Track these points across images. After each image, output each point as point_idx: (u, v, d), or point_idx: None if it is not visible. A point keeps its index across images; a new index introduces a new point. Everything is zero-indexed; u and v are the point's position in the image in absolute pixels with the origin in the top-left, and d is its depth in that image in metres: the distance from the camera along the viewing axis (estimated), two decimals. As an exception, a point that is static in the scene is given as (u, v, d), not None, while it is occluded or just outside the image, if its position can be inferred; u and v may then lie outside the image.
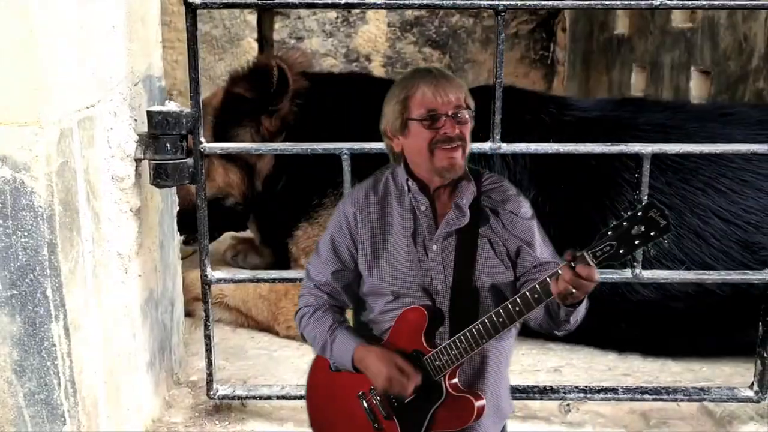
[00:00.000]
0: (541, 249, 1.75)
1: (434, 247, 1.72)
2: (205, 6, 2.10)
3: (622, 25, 5.41)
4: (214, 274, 2.27)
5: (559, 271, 1.51)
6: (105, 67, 2.03)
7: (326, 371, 1.81)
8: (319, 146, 2.26)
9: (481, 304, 1.70)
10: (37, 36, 1.66)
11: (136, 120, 2.20)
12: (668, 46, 4.73)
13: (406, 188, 1.76)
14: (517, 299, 1.59)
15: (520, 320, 1.61)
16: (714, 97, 4.29)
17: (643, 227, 1.46)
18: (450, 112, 1.67)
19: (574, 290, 1.49)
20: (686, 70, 4.57)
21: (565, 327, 1.66)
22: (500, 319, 1.61)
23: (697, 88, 4.56)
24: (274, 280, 2.47)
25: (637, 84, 5.27)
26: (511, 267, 1.74)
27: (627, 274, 2.25)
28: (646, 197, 2.23)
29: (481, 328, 1.62)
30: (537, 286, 1.56)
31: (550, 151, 2.25)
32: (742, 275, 2.35)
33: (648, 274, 2.29)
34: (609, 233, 1.48)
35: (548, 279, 1.54)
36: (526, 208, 1.77)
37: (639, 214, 1.47)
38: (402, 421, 1.71)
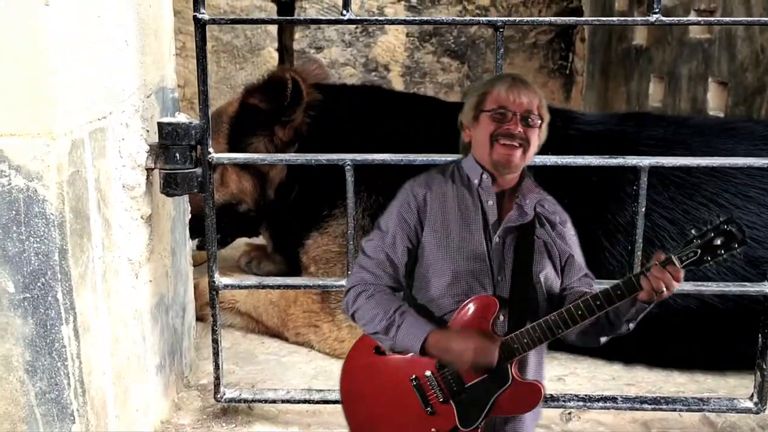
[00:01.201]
0: (581, 262, 1.85)
1: (496, 239, 1.78)
2: (213, 22, 2.17)
3: (640, 36, 5.39)
4: (221, 280, 2.34)
5: (644, 271, 1.62)
6: (118, 80, 2.12)
7: (368, 356, 1.82)
8: (323, 157, 2.32)
9: (538, 300, 1.77)
10: (49, 50, 1.75)
11: (148, 131, 2.28)
12: (686, 57, 4.72)
13: (477, 180, 1.82)
14: (599, 294, 1.66)
15: (599, 314, 1.67)
16: (731, 108, 4.28)
17: (722, 238, 1.61)
18: (519, 113, 1.76)
19: (665, 289, 1.61)
20: (704, 81, 4.56)
21: (625, 329, 1.75)
22: (579, 312, 1.66)
23: (714, 99, 4.55)
24: (280, 287, 2.53)
25: (655, 94, 5.26)
26: (560, 271, 1.83)
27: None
28: (643, 209, 2.27)
29: (557, 319, 1.68)
30: (621, 283, 1.65)
31: (548, 164, 2.29)
32: (740, 287, 2.37)
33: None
34: (696, 240, 1.62)
35: (632, 277, 1.64)
36: (570, 224, 1.88)
37: (721, 226, 1.61)
38: (461, 405, 1.74)
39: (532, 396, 1.74)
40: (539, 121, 1.79)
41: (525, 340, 1.69)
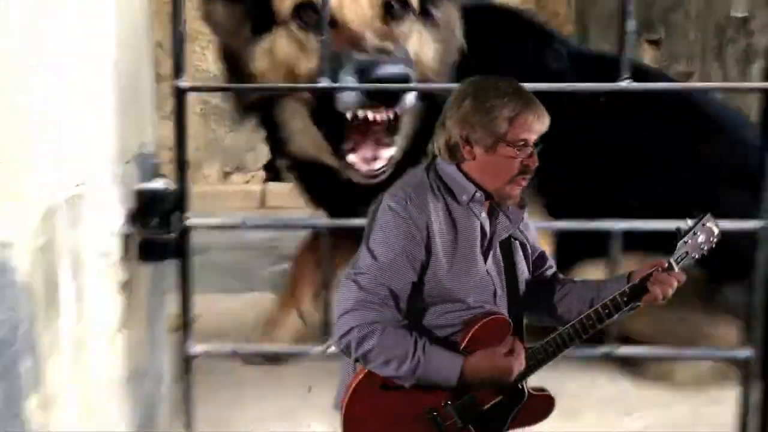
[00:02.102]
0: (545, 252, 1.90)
1: (492, 252, 1.76)
2: (193, 89, 2.21)
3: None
4: (195, 348, 2.32)
5: (651, 276, 1.67)
6: (96, 147, 2.12)
7: (374, 396, 1.73)
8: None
9: (523, 305, 1.80)
10: (24, 116, 1.75)
11: (125, 197, 2.28)
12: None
13: (466, 197, 1.72)
14: (608, 302, 1.70)
15: (606, 323, 1.72)
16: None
17: (704, 235, 1.68)
18: (532, 143, 1.70)
19: (671, 292, 1.68)
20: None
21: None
22: (590, 322, 1.70)
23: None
24: (257, 354, 2.50)
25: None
26: (530, 267, 1.85)
27: (603, 350, 2.27)
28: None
29: (571, 332, 1.71)
30: (627, 289, 1.70)
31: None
32: (721, 352, 2.36)
33: (622, 351, 2.32)
34: (684, 241, 1.69)
35: (639, 282, 1.69)
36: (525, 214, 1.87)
37: (701, 223, 1.69)
38: (480, 428, 1.73)
39: (547, 407, 1.79)
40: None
41: (540, 356, 1.72)
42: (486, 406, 1.72)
